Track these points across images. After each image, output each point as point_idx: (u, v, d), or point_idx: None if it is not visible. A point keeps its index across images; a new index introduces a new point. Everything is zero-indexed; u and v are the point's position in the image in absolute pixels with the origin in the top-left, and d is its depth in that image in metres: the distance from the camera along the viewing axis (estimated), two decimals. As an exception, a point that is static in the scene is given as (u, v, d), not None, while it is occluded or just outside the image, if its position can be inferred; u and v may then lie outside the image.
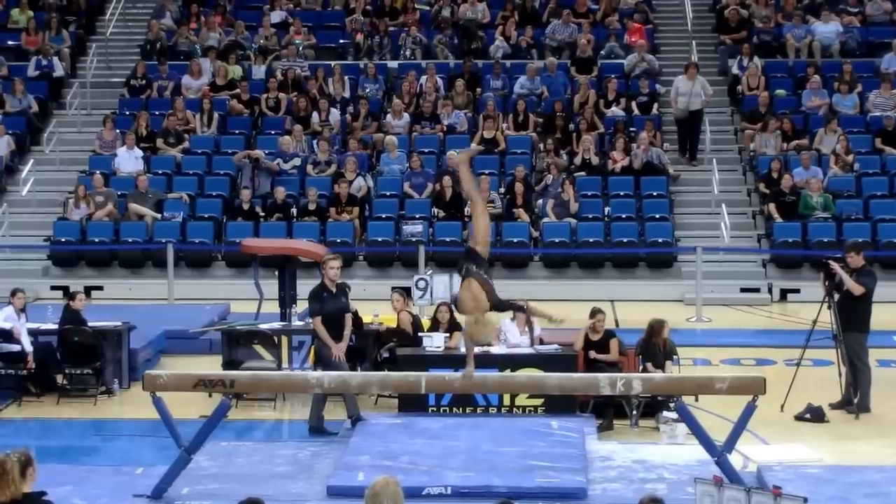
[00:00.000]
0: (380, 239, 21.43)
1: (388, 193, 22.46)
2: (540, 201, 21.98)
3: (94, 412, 13.65)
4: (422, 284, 16.63)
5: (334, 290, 12.80)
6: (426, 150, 23.24)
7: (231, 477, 10.74)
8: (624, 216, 21.73)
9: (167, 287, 19.93)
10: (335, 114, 23.84)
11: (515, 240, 21.36)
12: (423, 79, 24.71)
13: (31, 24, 26.36)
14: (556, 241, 21.35)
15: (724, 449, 10.00)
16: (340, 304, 12.79)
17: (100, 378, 14.18)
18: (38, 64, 25.51)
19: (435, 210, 21.84)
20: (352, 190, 21.99)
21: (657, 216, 21.70)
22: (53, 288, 20.80)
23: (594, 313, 13.39)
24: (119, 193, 22.07)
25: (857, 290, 13.24)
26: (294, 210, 21.85)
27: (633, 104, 24.12)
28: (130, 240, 21.55)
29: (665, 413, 12.37)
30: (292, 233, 21.10)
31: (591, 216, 21.76)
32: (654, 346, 13.09)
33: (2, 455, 6.76)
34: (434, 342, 13.48)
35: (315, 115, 23.77)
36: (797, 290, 20.53)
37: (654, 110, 24.06)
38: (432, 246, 20.90)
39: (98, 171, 22.46)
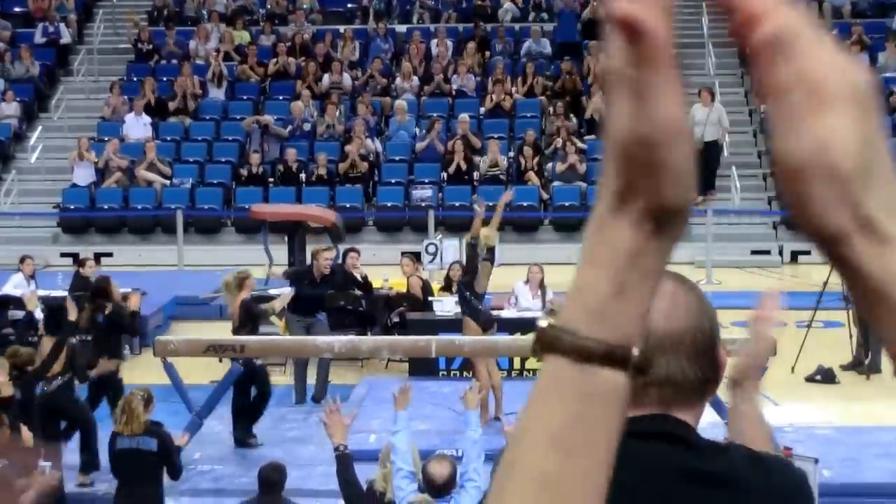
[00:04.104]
0: (389, 204, 21.39)
1: (396, 158, 22.40)
2: (549, 164, 21.92)
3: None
4: (431, 249, 16.63)
5: (319, 280, 12.84)
6: (435, 115, 23.17)
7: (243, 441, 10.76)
8: (634, 179, 21.61)
9: (177, 253, 19.93)
10: (346, 78, 23.76)
11: (525, 203, 21.31)
12: (433, 43, 24.61)
13: (38, -9, 26.29)
14: (566, 204, 21.29)
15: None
16: (319, 292, 12.80)
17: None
18: (45, 31, 25.44)
19: (443, 174, 21.79)
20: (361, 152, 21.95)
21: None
22: (63, 255, 20.80)
23: None
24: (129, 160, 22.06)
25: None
26: (303, 175, 21.82)
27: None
28: (140, 206, 21.55)
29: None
30: (301, 198, 21.07)
31: (600, 179, 21.65)
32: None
33: (129, 394, 8.57)
34: (444, 306, 13.47)
35: (326, 77, 23.66)
36: (808, 252, 20.43)
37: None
38: (442, 211, 20.86)
39: (111, 138, 22.41)
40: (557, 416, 1.01)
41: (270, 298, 12.47)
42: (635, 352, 1.02)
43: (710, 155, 20.85)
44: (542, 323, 1.04)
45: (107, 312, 11.38)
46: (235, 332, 11.23)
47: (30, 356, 9.92)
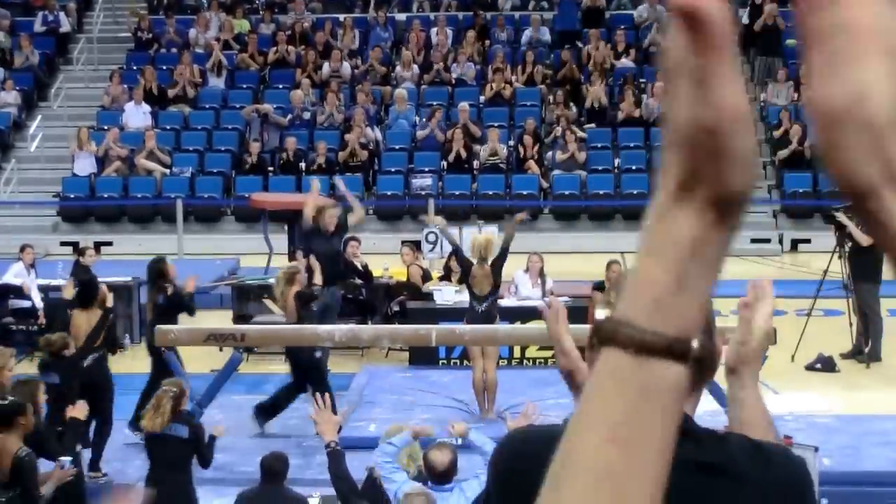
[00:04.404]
0: (389, 193, 21.39)
1: (396, 147, 22.39)
2: (549, 153, 21.91)
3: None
4: (431, 238, 16.61)
5: (327, 234, 12.96)
6: (434, 103, 23.15)
7: (243, 430, 10.78)
8: (634, 168, 21.66)
9: (177, 242, 19.93)
10: (346, 66, 23.73)
11: (525, 192, 21.30)
12: (433, 31, 24.58)
13: (37, -21, 26.25)
14: (566, 193, 21.29)
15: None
16: (332, 245, 12.88)
17: (111, 333, 14.20)
18: (45, 19, 25.40)
19: (443, 163, 21.79)
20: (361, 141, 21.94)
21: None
22: (63, 244, 20.80)
23: (610, 265, 13.37)
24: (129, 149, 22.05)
25: (864, 241, 13.16)
26: (303, 164, 21.81)
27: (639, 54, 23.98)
28: (140, 195, 21.55)
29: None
30: (301, 187, 21.06)
31: (600, 168, 21.69)
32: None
33: (160, 392, 8.71)
34: (444, 295, 13.48)
35: (326, 66, 23.63)
36: (808, 241, 20.49)
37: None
38: (441, 199, 20.85)
39: (111, 127, 22.39)
40: (616, 408, 0.99)
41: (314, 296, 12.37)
42: (695, 344, 1.01)
43: None
44: (601, 316, 1.04)
45: (168, 293, 11.54)
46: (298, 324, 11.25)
47: (64, 341, 10.06)
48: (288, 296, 11.39)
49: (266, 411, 11.33)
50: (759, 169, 1.16)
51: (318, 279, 12.06)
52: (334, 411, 7.25)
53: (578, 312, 12.94)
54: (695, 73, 0.98)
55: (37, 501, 7.89)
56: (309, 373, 11.23)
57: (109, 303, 11.04)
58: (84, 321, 10.65)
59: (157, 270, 11.77)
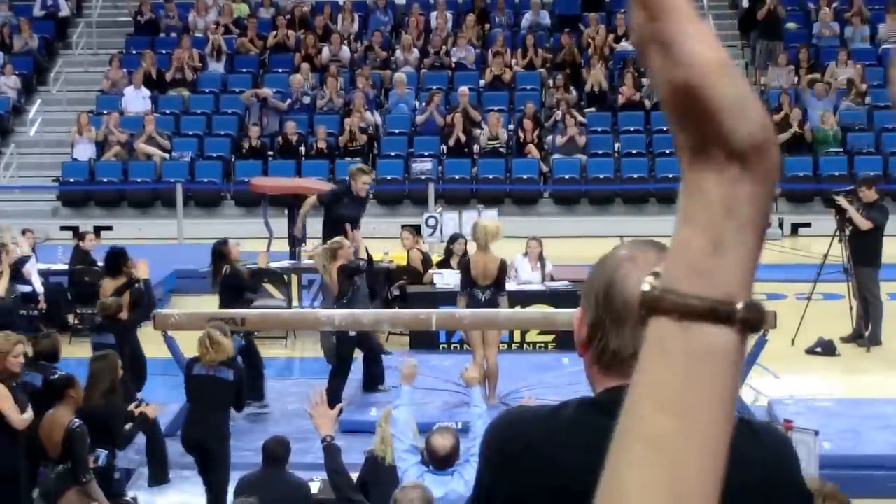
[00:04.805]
0: (389, 177, 21.37)
1: (396, 131, 22.36)
2: (549, 137, 21.89)
3: (106, 351, 13.67)
4: (432, 222, 16.61)
5: (359, 199, 12.97)
6: (434, 87, 23.11)
7: (243, 415, 10.78)
8: (634, 152, 21.63)
9: (176, 226, 19.92)
10: (345, 50, 23.68)
11: (525, 176, 21.29)
12: (433, 15, 24.53)
13: (36, -37, 26.18)
14: (566, 177, 21.27)
15: (736, 383, 9.98)
16: (358, 212, 12.90)
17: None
18: (44, 3, 25.34)
19: (443, 147, 21.76)
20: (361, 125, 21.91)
21: (668, 151, 21.58)
22: (63, 228, 20.80)
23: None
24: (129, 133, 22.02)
25: (864, 224, 13.17)
26: (302, 148, 21.78)
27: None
28: (139, 179, 21.53)
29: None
30: (301, 171, 21.04)
31: (601, 152, 21.66)
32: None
33: (210, 327, 9.25)
34: (444, 279, 13.47)
35: (326, 50, 23.58)
36: (808, 224, 20.47)
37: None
38: (442, 183, 20.84)
39: (110, 111, 22.36)
40: (666, 377, 0.98)
41: (359, 269, 12.38)
42: (740, 307, 0.98)
43: None
44: (644, 286, 1.01)
45: (226, 273, 11.72)
46: (338, 300, 11.29)
47: (118, 304, 10.45)
48: (332, 270, 11.44)
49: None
50: (761, 114, 1.12)
51: (362, 252, 12.24)
52: (333, 404, 7.24)
53: (578, 296, 12.93)
54: (658, 39, 0.98)
55: (88, 473, 8.08)
56: (340, 343, 11.24)
57: (144, 273, 11.22)
58: (111, 288, 11.17)
59: (217, 252, 12.00)
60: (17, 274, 14.12)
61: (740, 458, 2.03)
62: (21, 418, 8.37)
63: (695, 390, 0.98)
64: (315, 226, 15.51)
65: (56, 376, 8.59)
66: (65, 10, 25.47)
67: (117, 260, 11.60)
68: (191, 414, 9.38)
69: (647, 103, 22.26)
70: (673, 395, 0.98)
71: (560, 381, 11.14)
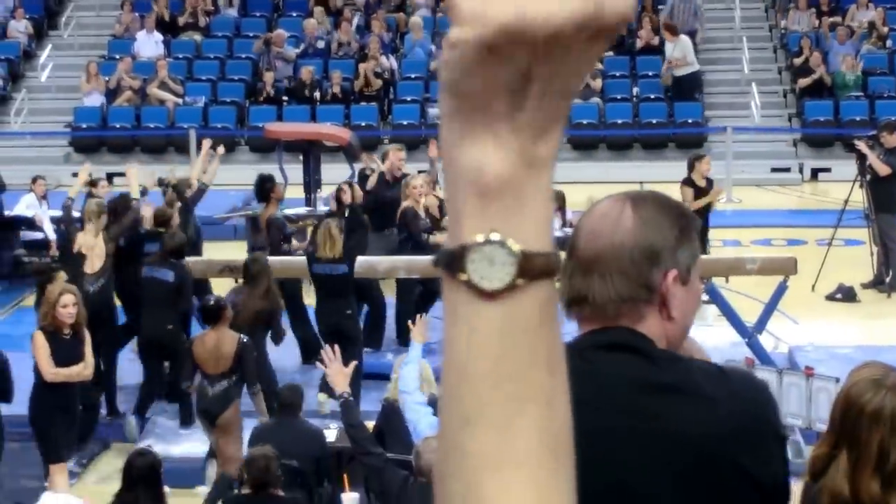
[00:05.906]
0: (405, 122, 21.18)
1: (412, 76, 22.13)
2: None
3: (120, 298, 13.59)
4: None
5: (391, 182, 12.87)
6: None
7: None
8: (652, 96, 21.38)
9: (190, 173, 19.75)
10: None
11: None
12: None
13: None
14: (584, 122, 21.05)
15: (755, 330, 9.88)
16: (393, 194, 12.85)
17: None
18: (55, -53, 25.09)
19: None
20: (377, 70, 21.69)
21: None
22: (75, 175, 20.63)
23: (701, 158, 13.43)
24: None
25: (883, 170, 12.98)
26: (317, 94, 21.58)
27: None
28: (152, 125, 21.37)
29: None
30: (316, 117, 20.86)
31: (619, 97, 21.42)
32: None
33: (326, 223, 10.37)
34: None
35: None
36: (828, 170, 20.24)
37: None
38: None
39: (122, 56, 22.16)
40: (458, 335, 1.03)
41: None
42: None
43: (684, 87, 20.90)
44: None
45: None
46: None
47: (183, 240, 10.58)
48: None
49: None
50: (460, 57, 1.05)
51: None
52: (348, 362, 7.12)
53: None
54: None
55: (257, 383, 8.78)
56: (362, 291, 11.16)
57: (134, 181, 12.12)
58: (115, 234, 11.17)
59: (262, 189, 12.68)
60: (29, 221, 14.04)
61: (714, 406, 2.04)
62: (52, 371, 8.31)
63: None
64: (329, 172, 15.37)
65: (212, 302, 9.16)
66: (76, -46, 25.22)
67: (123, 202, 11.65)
68: (319, 302, 10.35)
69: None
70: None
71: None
